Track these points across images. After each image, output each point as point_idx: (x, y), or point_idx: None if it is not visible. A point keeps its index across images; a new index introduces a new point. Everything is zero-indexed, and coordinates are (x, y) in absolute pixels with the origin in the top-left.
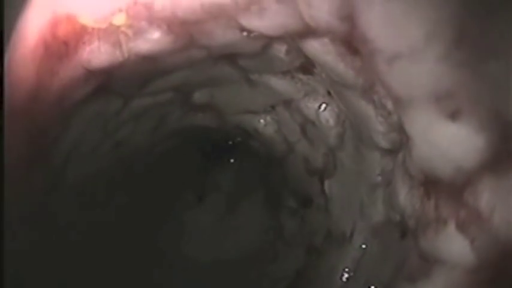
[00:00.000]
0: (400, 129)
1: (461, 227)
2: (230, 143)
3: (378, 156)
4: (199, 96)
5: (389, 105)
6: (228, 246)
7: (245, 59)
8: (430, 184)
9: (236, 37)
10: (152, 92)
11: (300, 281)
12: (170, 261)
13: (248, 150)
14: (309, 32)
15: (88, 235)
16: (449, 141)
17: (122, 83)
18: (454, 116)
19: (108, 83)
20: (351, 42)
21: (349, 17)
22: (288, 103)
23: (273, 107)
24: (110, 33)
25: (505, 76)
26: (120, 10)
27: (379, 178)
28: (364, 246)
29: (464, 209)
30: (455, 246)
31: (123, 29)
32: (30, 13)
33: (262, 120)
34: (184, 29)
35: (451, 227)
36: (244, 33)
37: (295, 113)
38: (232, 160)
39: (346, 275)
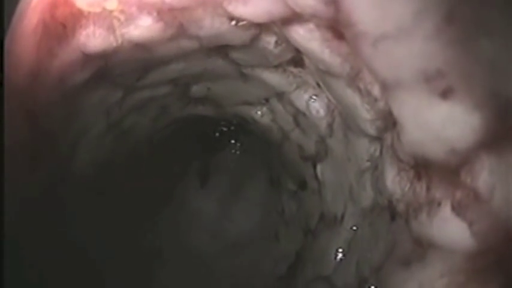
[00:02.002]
0: (387, 115)
1: (458, 210)
2: (232, 128)
3: (366, 143)
4: (196, 90)
5: (376, 91)
6: (232, 228)
7: (236, 51)
8: (420, 166)
9: (225, 26)
10: (151, 84)
11: (299, 261)
12: (175, 244)
13: (248, 136)
14: (293, 17)
15: (92, 222)
16: (442, 122)
17: (119, 71)
18: (445, 94)
19: (105, 69)
20: (336, 27)
21: (333, 0)
22: (280, 96)
23: (266, 100)
24: (104, 18)
25: (501, 51)
26: None
27: (368, 164)
28: (355, 228)
29: (461, 189)
30: (452, 230)
31: (115, 13)
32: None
33: (259, 112)
34: (173, 16)
35: (446, 210)
36: (233, 23)
37: (287, 105)
38: (233, 141)
39: (340, 256)
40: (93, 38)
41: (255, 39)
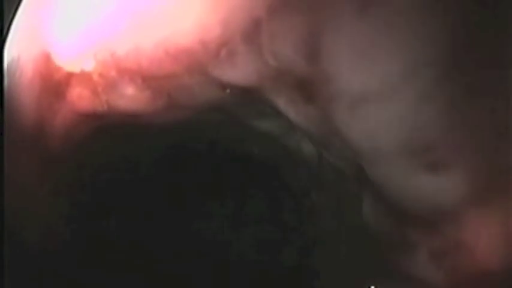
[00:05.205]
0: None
1: (436, 258)
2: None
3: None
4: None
5: (351, 155)
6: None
7: (232, 107)
8: (397, 212)
9: (216, 93)
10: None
11: (298, 275)
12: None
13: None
14: (272, 75)
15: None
16: (427, 192)
17: (117, 129)
18: (435, 168)
19: (104, 127)
20: (310, 86)
21: (313, 55)
22: (271, 137)
23: (258, 140)
24: (87, 80)
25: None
26: (88, 54)
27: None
28: (347, 248)
29: (441, 239)
30: (429, 275)
31: (95, 77)
32: (26, 50)
33: (255, 150)
34: (159, 85)
35: (423, 256)
36: (227, 91)
37: (279, 145)
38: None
39: (335, 273)
40: (80, 99)
41: (247, 97)
